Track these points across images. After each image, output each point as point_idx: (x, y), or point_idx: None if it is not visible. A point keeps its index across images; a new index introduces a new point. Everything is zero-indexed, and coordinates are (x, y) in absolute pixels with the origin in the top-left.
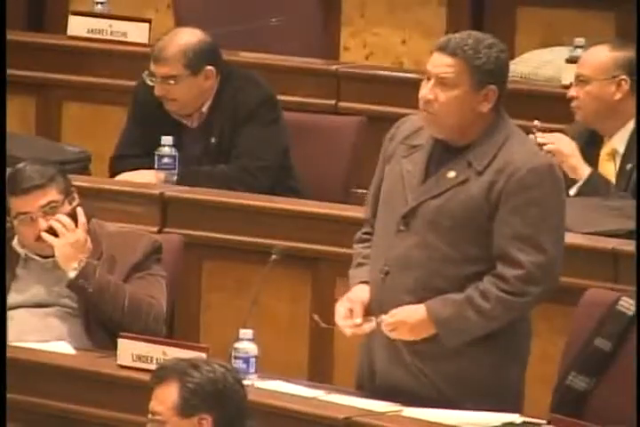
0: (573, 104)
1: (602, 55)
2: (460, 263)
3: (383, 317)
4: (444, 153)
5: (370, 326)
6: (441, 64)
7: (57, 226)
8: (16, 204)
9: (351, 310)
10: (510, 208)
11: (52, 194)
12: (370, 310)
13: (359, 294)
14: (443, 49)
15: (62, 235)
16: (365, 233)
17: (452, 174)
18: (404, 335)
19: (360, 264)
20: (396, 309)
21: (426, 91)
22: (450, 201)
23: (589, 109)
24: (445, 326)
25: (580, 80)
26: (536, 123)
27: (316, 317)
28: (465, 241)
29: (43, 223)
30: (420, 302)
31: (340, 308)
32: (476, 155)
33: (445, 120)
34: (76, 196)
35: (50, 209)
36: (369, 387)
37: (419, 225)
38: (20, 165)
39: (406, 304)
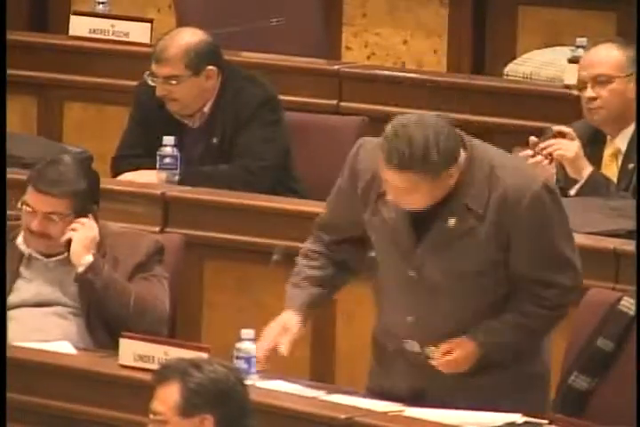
0: (594, 105)
1: (615, 53)
2: (485, 296)
3: (431, 349)
4: None
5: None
6: (394, 179)
7: (75, 226)
8: (28, 193)
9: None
10: (524, 237)
11: (62, 207)
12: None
13: (293, 324)
14: (390, 165)
15: (82, 229)
16: (313, 251)
17: (452, 222)
18: (456, 369)
19: (298, 285)
20: (443, 345)
21: (398, 202)
22: (460, 254)
23: (614, 108)
24: (495, 350)
25: (601, 80)
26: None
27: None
28: (485, 280)
29: (36, 223)
30: (456, 331)
31: (267, 334)
32: (470, 196)
33: (426, 204)
34: (96, 217)
35: (50, 216)
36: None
37: (432, 275)
38: (64, 161)
39: (443, 338)
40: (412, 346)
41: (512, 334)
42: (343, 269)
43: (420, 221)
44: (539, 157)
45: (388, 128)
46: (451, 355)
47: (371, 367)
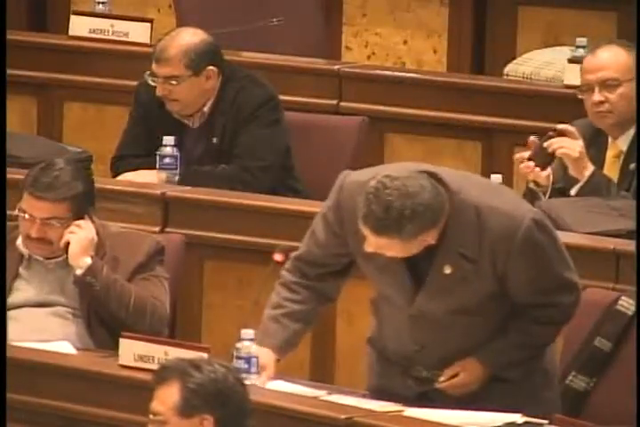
0: (602, 109)
1: (623, 56)
2: (488, 322)
3: (437, 373)
4: None
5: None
6: (370, 241)
7: (73, 228)
8: (24, 200)
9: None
10: (522, 271)
11: (60, 211)
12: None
13: (270, 364)
14: (366, 228)
15: (79, 231)
16: (295, 283)
17: (448, 270)
18: (464, 391)
19: (278, 321)
20: (448, 369)
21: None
22: (460, 296)
23: (624, 112)
24: (503, 368)
25: (610, 84)
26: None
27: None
28: (487, 310)
29: (36, 230)
30: (461, 355)
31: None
32: (461, 242)
33: (409, 255)
34: (91, 218)
35: (49, 222)
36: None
37: (433, 313)
38: (58, 165)
39: (449, 362)
40: (420, 372)
41: (518, 352)
42: (323, 301)
43: (416, 266)
44: (531, 163)
45: (373, 183)
46: (457, 378)
47: (369, 368)
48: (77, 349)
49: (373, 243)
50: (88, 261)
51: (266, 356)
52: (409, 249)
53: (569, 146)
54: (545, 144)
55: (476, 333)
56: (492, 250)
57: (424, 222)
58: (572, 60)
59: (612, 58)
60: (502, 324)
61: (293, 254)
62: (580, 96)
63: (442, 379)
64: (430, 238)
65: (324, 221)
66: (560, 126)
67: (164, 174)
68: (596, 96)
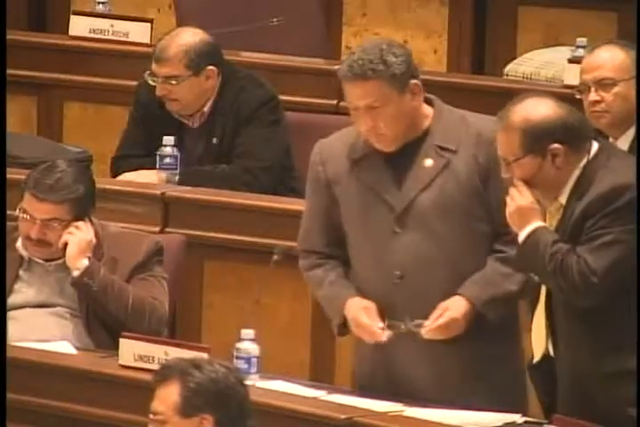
0: (598, 108)
1: (620, 56)
2: (477, 245)
3: (419, 321)
4: (401, 148)
5: (388, 334)
6: (360, 94)
7: (71, 229)
8: (26, 200)
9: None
10: (499, 177)
11: (62, 213)
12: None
13: (367, 303)
14: (353, 77)
15: (77, 232)
16: (315, 260)
17: (429, 162)
18: (450, 333)
19: (333, 283)
20: (435, 311)
21: (363, 123)
22: (442, 192)
23: (619, 111)
24: (492, 304)
25: (605, 83)
26: None
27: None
28: (472, 221)
29: (36, 231)
30: (446, 295)
31: (362, 316)
32: (442, 137)
33: (395, 134)
34: (90, 220)
35: (50, 223)
36: (383, 388)
37: (417, 222)
38: (60, 167)
39: (435, 303)
40: (398, 327)
41: (499, 285)
42: (347, 265)
43: (399, 168)
44: None
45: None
46: (443, 317)
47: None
48: (77, 349)
49: (365, 100)
50: (85, 262)
51: (358, 301)
52: (400, 108)
53: None
54: None
55: (454, 267)
56: (474, 142)
57: (404, 57)
58: (571, 60)
59: (608, 57)
60: (479, 266)
61: (298, 247)
62: (577, 96)
63: (427, 323)
64: (416, 97)
65: (314, 204)
66: None
67: (163, 174)
68: (592, 96)
